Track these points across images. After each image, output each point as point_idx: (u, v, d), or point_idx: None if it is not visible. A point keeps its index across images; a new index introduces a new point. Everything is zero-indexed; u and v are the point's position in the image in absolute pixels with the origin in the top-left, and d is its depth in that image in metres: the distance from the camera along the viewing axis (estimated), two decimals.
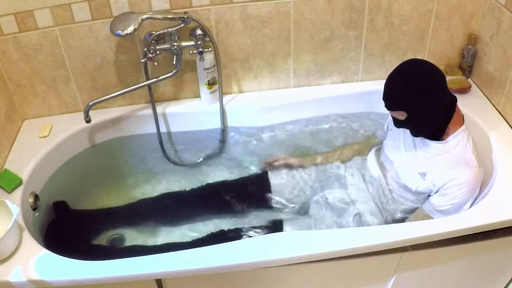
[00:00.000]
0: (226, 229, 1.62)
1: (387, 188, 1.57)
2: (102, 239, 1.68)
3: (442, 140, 1.45)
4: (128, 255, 1.30)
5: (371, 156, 1.68)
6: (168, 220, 1.72)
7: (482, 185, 1.46)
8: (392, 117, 1.46)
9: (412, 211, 1.55)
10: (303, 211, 1.70)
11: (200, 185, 1.77)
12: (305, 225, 1.57)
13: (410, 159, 1.52)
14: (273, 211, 1.70)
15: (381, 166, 1.62)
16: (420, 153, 1.50)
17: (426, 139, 1.48)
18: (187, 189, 1.76)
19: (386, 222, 1.57)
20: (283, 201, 1.68)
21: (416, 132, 1.47)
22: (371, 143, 1.77)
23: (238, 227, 1.63)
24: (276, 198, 1.68)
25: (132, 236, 1.69)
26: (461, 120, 1.46)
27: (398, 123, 1.45)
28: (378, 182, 1.59)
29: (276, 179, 1.71)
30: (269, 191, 1.69)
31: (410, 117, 1.39)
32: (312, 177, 1.71)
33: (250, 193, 1.72)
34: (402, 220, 1.57)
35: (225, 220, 1.71)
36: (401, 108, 1.38)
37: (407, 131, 1.51)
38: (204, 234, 1.60)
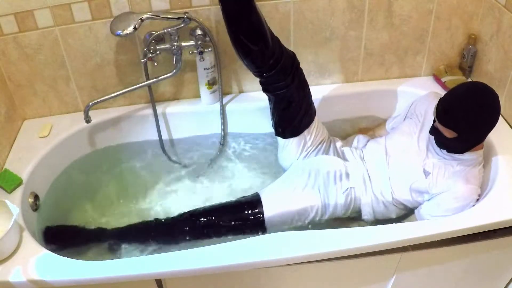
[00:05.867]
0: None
1: (385, 175, 1.56)
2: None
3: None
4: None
5: (376, 139, 1.69)
6: None
7: (482, 185, 1.47)
8: (434, 127, 1.42)
9: (401, 206, 1.55)
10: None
11: None
12: (284, 195, 1.54)
13: (420, 155, 1.52)
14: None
15: (384, 151, 1.61)
16: (432, 153, 1.51)
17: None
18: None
19: (374, 212, 1.56)
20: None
21: (445, 147, 1.46)
22: (379, 128, 1.81)
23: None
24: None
25: None
26: (482, 146, 1.47)
27: (435, 133, 1.43)
28: (379, 166, 1.58)
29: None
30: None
31: (457, 139, 1.37)
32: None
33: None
34: (393, 217, 1.57)
35: None
36: (456, 129, 1.35)
37: (426, 131, 1.50)
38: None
